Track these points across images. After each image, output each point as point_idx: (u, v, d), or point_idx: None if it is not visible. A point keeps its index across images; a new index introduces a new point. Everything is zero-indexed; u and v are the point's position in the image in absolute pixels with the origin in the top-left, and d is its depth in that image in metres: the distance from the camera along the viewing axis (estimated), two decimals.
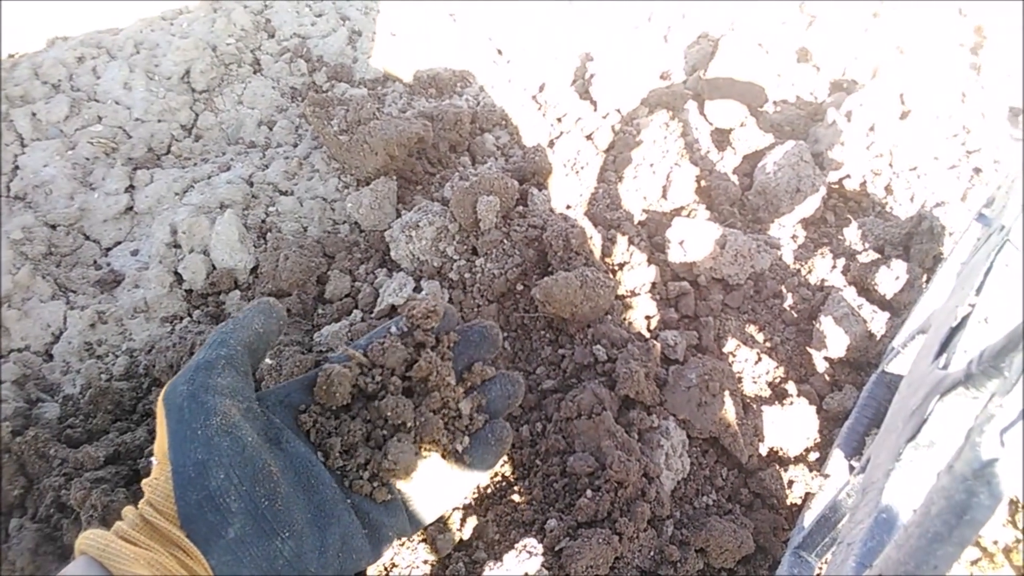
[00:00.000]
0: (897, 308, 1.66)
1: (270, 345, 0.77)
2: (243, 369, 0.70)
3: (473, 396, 0.83)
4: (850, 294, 1.69)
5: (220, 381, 0.66)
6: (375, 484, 0.73)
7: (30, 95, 2.19)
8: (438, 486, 0.77)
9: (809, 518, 1.38)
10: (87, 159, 2.07)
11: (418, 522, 0.77)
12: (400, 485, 0.75)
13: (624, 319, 1.64)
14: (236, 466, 0.62)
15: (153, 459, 0.65)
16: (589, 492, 1.35)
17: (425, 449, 0.77)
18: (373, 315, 1.69)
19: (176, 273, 1.80)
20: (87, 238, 1.94)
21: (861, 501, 1.01)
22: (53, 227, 1.91)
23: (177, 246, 1.85)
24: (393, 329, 0.84)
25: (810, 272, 1.78)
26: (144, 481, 0.65)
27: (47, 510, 1.38)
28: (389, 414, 0.78)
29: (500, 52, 2.46)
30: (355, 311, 1.71)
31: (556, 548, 1.31)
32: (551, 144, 2.09)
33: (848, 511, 1.07)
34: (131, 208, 1.98)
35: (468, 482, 0.79)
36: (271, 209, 1.94)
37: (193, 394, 0.64)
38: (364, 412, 0.79)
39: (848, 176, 2.00)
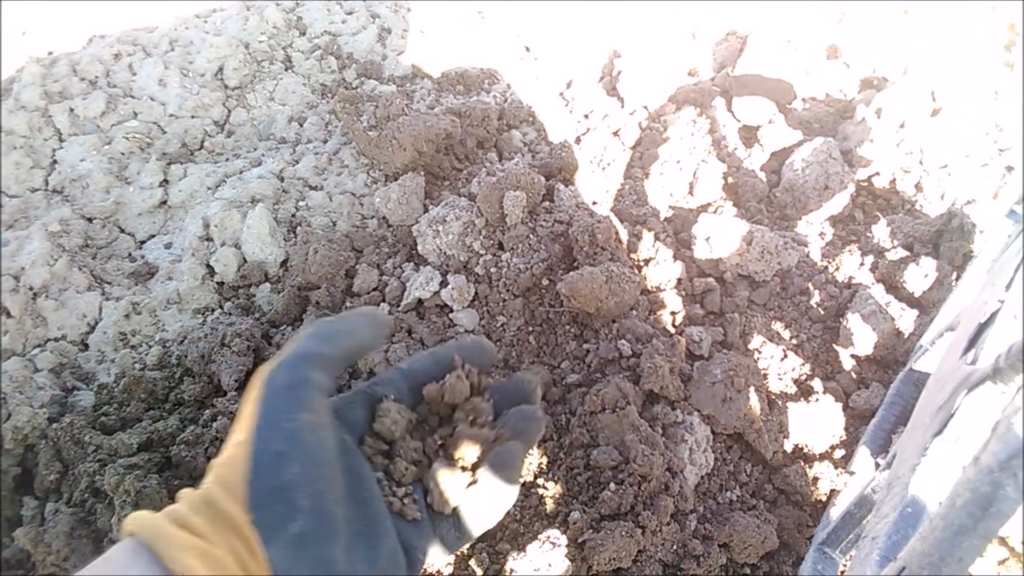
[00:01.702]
0: (926, 306, 1.65)
1: (362, 357, 0.78)
2: (334, 373, 0.70)
3: (498, 429, 0.83)
4: (878, 292, 1.68)
5: (317, 377, 0.67)
6: (405, 501, 0.72)
7: (68, 91, 2.24)
8: (468, 510, 0.75)
9: (834, 514, 1.38)
10: (123, 154, 2.12)
11: (450, 545, 0.75)
12: (453, 500, 0.75)
13: (649, 315, 1.64)
14: (313, 464, 0.62)
15: (235, 437, 0.65)
16: (613, 485, 1.36)
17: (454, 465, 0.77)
18: (400, 308, 1.71)
19: (208, 266, 1.84)
20: (122, 231, 1.99)
21: (886, 496, 1.01)
22: (89, 220, 1.96)
23: (209, 239, 1.88)
24: (455, 375, 0.83)
25: (837, 269, 1.77)
26: (215, 460, 0.65)
27: (82, 495, 1.42)
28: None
29: (528, 49, 2.47)
30: (383, 304, 1.73)
31: (579, 540, 1.32)
32: (578, 140, 2.10)
33: (875, 506, 1.06)
34: (165, 202, 2.02)
35: (488, 508, 0.75)
36: (301, 204, 1.97)
37: (292, 385, 0.65)
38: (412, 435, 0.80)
39: (877, 174, 1.98)
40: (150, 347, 1.72)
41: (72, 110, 2.20)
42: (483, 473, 0.74)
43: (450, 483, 0.74)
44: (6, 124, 2.18)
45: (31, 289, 1.78)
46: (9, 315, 1.73)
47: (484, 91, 2.33)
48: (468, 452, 0.76)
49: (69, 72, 2.28)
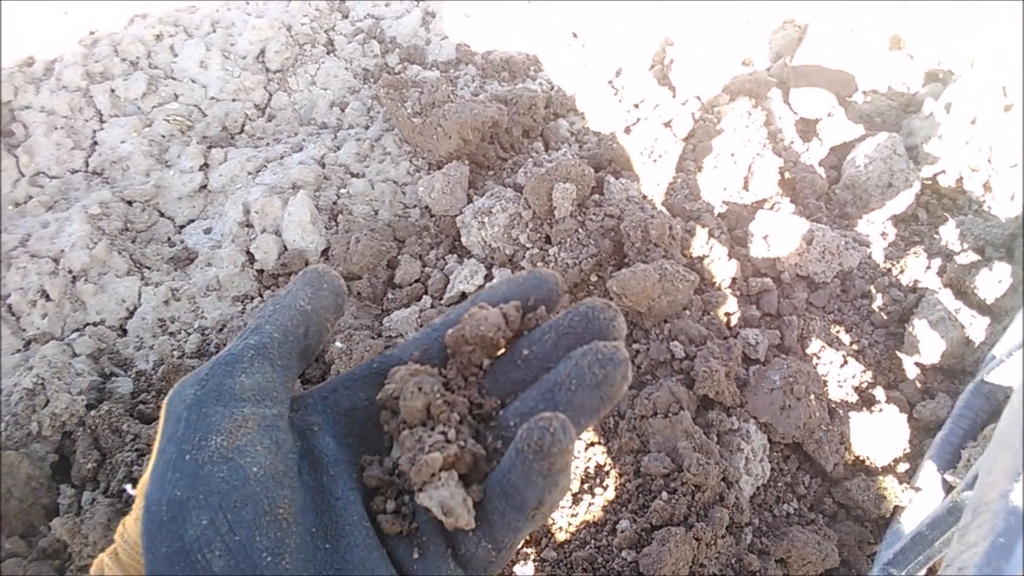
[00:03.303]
0: (998, 314, 1.56)
1: (325, 325, 0.59)
2: (281, 361, 0.54)
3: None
4: (946, 297, 1.59)
5: (243, 381, 0.51)
6: (407, 522, 0.52)
7: (109, 72, 2.21)
8: (499, 512, 0.50)
9: (899, 533, 1.31)
10: (163, 136, 2.08)
11: (482, 564, 0.51)
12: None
13: (703, 315, 1.57)
14: (229, 507, 0.45)
15: (129, 488, 0.53)
16: (665, 494, 1.30)
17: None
18: (443, 302, 1.66)
19: (248, 252, 1.80)
20: (162, 215, 1.96)
21: (972, 522, 0.94)
22: (129, 203, 1.93)
23: (249, 225, 1.84)
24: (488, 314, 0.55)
25: (902, 272, 1.68)
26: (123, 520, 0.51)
27: (119, 485, 1.39)
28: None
29: (575, 35, 2.40)
30: (425, 297, 1.68)
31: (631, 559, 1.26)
32: (627, 131, 2.03)
33: (957, 531, 0.99)
34: (205, 186, 1.98)
35: (525, 508, 0.49)
36: (342, 191, 1.92)
37: (199, 401, 0.49)
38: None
39: (943, 172, 1.89)
40: (189, 334, 1.69)
41: (113, 91, 2.17)
42: (512, 460, 0.48)
43: (467, 479, 0.51)
44: (48, 104, 2.16)
45: (70, 272, 1.75)
46: (48, 298, 1.71)
47: (530, 78, 2.27)
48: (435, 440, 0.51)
49: (111, 52, 2.25)
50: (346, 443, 0.55)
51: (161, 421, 0.50)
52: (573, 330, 0.54)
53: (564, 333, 0.54)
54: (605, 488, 1.36)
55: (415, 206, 1.91)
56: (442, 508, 0.48)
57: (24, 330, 1.70)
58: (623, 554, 1.27)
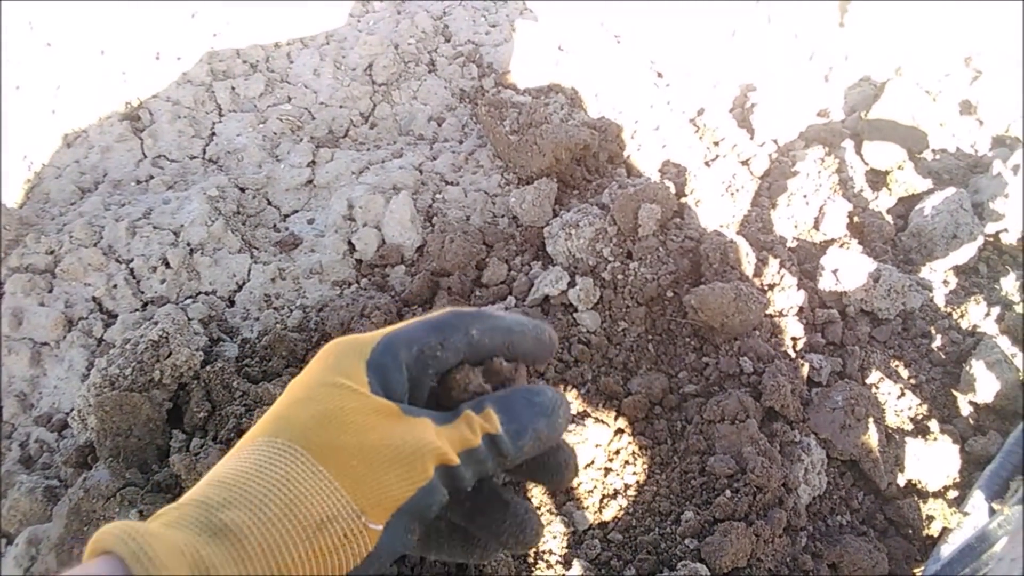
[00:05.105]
0: None
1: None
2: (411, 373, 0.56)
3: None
4: (1003, 343, 1.68)
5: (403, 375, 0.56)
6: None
7: (232, 71, 2.42)
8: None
9: (946, 551, 1.39)
10: (275, 133, 2.27)
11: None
12: None
13: (771, 337, 1.68)
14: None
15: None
16: (728, 492, 1.40)
17: None
18: (526, 303, 1.79)
19: (350, 243, 1.96)
20: (269, 203, 2.13)
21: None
22: (243, 189, 2.11)
23: (352, 219, 2.00)
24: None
25: (962, 317, 1.78)
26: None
27: (228, 434, 1.53)
28: None
29: (660, 75, 2.55)
30: (509, 297, 1.82)
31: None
32: (707, 164, 2.16)
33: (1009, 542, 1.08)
34: (311, 181, 2.15)
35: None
36: (438, 196, 2.08)
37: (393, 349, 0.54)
38: None
39: (1006, 230, 1.98)
40: (291, 311, 1.84)
41: (233, 88, 2.37)
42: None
43: None
44: (174, 95, 2.37)
45: (188, 245, 1.93)
46: (168, 266, 1.88)
47: (616, 111, 2.42)
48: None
49: (233, 54, 2.46)
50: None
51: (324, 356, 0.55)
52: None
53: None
54: (671, 482, 1.46)
55: (503, 215, 2.06)
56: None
57: (143, 292, 1.87)
58: (686, 541, 1.37)
